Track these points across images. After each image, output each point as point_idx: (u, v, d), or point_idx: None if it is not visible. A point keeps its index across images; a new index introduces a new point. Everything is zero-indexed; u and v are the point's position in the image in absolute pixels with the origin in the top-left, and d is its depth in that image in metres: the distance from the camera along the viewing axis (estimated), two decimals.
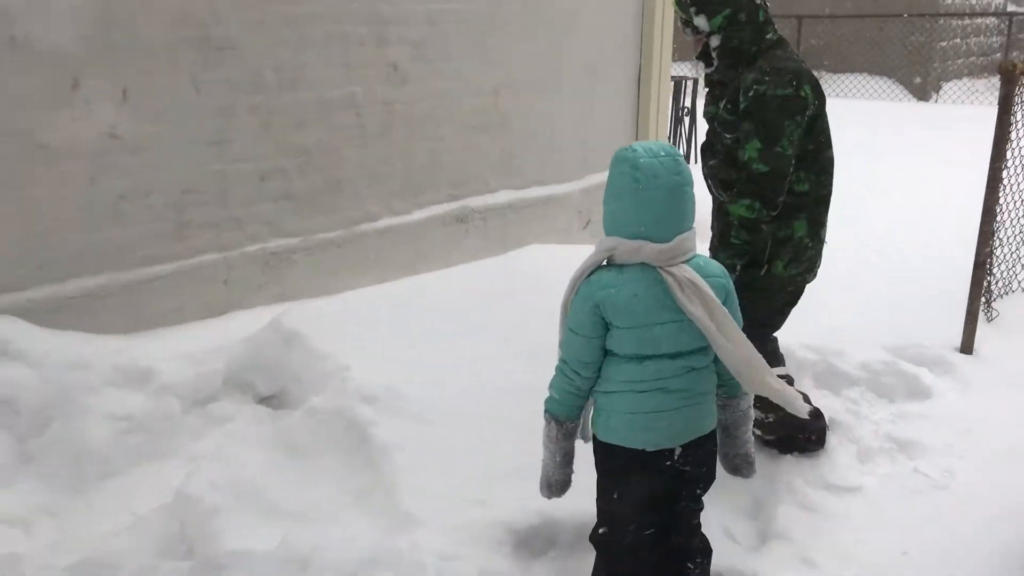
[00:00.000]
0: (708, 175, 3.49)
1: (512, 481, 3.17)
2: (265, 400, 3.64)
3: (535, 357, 3.73)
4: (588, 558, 3.07)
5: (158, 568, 2.68)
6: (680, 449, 2.54)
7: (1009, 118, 4.76)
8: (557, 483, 2.64)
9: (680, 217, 2.47)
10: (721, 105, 3.36)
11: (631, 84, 5.80)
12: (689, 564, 2.79)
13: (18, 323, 3.32)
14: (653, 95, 5.85)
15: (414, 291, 3.96)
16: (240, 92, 3.87)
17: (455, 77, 4.71)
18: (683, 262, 2.45)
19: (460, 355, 3.61)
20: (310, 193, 4.19)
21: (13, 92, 3.27)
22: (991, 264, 5.39)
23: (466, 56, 4.72)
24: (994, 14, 14.93)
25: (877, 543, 3.27)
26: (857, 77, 14.20)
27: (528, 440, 3.34)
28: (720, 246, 3.26)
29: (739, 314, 2.59)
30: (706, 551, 2.85)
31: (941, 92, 14.20)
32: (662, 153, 2.46)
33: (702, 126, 3.63)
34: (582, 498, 2.70)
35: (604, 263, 2.47)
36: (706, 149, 3.57)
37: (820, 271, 3.67)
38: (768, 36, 3.30)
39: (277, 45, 3.95)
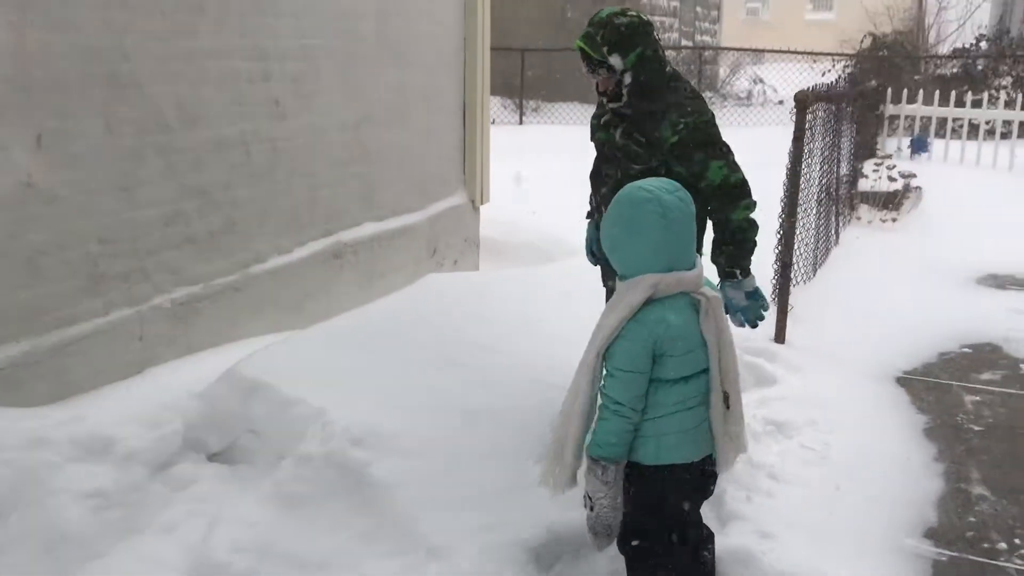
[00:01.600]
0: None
1: (507, 500, 3.31)
2: (215, 457, 3.44)
3: (483, 381, 3.88)
4: (593, 561, 3.29)
5: None
6: (712, 453, 2.85)
7: (803, 141, 5.61)
8: (615, 526, 2.73)
9: (693, 244, 2.78)
10: (619, 133, 3.52)
11: (458, 113, 6.04)
12: (704, 552, 3.10)
13: None
14: (477, 123, 6.12)
15: (347, 328, 3.92)
16: (146, 132, 3.63)
17: (326, 111, 4.69)
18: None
19: (417, 385, 3.66)
20: (208, 236, 3.99)
21: None
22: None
23: (334, 90, 4.72)
24: (682, 47, 16.97)
25: (806, 508, 3.77)
26: (570, 105, 15.47)
27: (504, 460, 3.49)
28: (737, 253, 3.45)
29: None
30: (711, 536, 3.18)
31: None
32: (672, 188, 2.74)
33: None
34: (570, 507, 2.98)
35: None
36: (595, 176, 3.83)
37: None
38: (668, 69, 3.56)
39: (177, 82, 3.75)
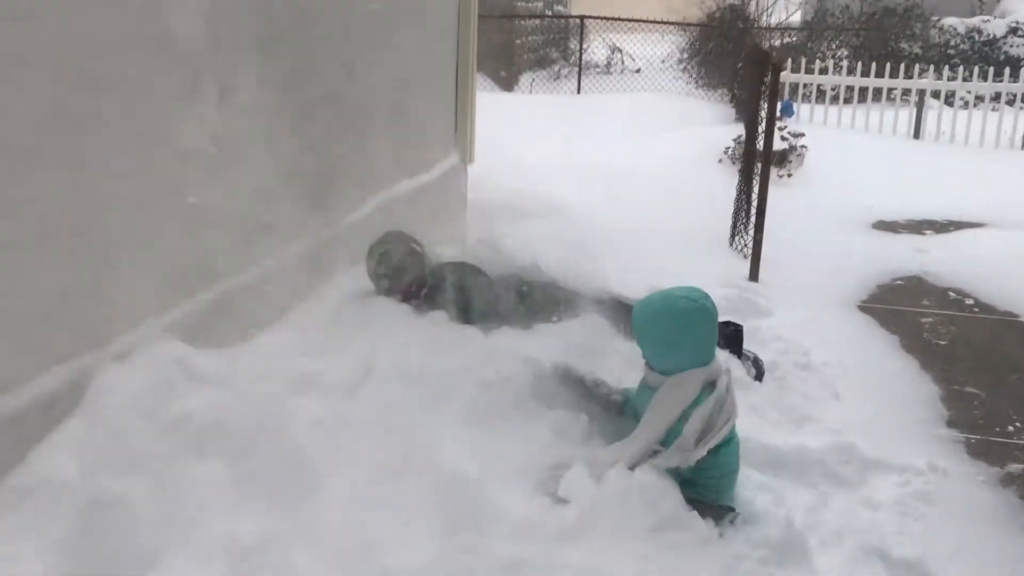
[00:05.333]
0: None
1: None
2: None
3: None
4: None
5: None
6: None
7: (776, 98, 6.31)
8: None
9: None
10: None
11: (452, 76, 6.35)
12: None
13: (182, 345, 3.05)
14: (468, 85, 6.48)
15: None
16: (281, 89, 3.80)
17: (380, 73, 4.92)
18: None
19: None
20: (315, 190, 4.20)
21: (158, 94, 2.99)
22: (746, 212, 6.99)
23: (384, 52, 4.96)
24: (554, 16, 17.62)
25: (854, 412, 4.47)
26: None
27: None
28: None
29: None
30: None
31: (519, 83, 16.47)
32: (704, 295, 3.32)
33: None
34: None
35: None
36: None
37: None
38: None
39: (302, 40, 3.94)
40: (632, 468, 3.09)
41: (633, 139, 12.00)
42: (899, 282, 6.94)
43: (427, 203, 5.77)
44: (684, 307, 3.18)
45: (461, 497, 3.09)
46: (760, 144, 6.77)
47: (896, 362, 5.30)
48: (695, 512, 3.02)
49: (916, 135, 12.94)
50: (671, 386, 3.17)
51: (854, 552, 3.24)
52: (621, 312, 4.53)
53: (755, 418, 4.05)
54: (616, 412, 3.60)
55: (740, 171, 7.94)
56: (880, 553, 3.23)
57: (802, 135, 10.39)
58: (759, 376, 4.62)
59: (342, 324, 3.86)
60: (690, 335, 3.17)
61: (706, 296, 3.26)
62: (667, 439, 3.13)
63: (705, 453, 3.09)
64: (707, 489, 3.18)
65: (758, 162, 6.75)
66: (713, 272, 6.33)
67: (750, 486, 3.53)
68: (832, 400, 4.58)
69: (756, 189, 6.76)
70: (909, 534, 3.41)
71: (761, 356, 4.84)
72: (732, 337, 4.59)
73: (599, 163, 10.49)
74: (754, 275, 6.51)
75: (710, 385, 3.18)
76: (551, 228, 6.28)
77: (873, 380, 4.94)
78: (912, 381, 5.04)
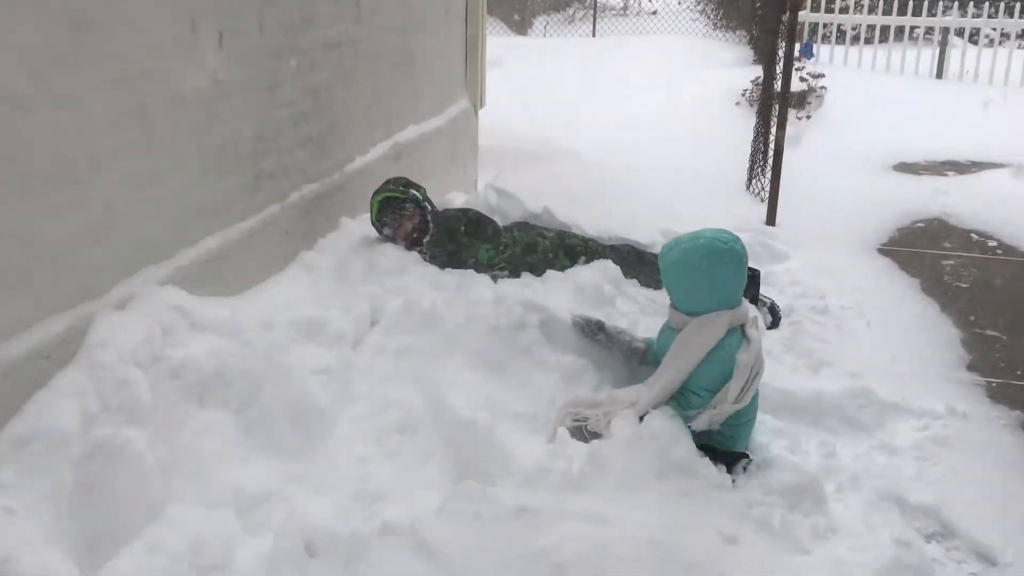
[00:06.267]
0: None
1: None
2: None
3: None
4: None
5: None
6: None
7: (794, 38, 6.13)
8: None
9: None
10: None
11: (462, 19, 6.21)
12: None
13: (182, 293, 2.99)
14: (479, 28, 6.33)
15: None
16: (282, 33, 3.70)
17: (388, 14, 4.81)
18: None
19: None
20: (320, 136, 4.12)
21: (157, 36, 2.89)
22: (763, 157, 6.85)
23: None
24: None
25: (873, 354, 4.39)
26: None
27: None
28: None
29: None
30: None
31: (533, 26, 16.21)
32: (735, 238, 3.21)
33: None
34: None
35: None
36: None
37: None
38: None
39: None
40: (655, 408, 3.04)
41: (649, 82, 11.79)
42: (920, 224, 6.80)
43: (437, 148, 5.68)
44: (713, 248, 3.09)
45: (469, 444, 3.06)
46: (778, 86, 6.60)
47: (916, 305, 5.20)
48: (707, 459, 2.97)
49: (939, 75, 12.64)
50: (696, 326, 3.10)
51: (870, 497, 3.18)
52: (635, 258, 4.45)
53: (771, 363, 3.96)
54: (639, 360, 3.54)
55: (758, 113, 7.78)
56: (897, 498, 3.17)
57: (821, 76, 10.15)
58: (775, 323, 4.54)
59: (348, 271, 3.81)
60: (718, 276, 3.09)
61: (736, 239, 3.17)
62: (694, 383, 3.09)
63: (742, 406, 3.03)
64: (723, 437, 3.12)
65: (776, 104, 6.58)
66: (729, 216, 6.21)
67: (765, 431, 3.48)
68: (850, 344, 4.49)
69: (774, 132, 6.62)
70: (927, 479, 3.35)
71: (778, 300, 4.76)
72: (749, 282, 4.50)
73: (614, 107, 10.33)
74: (771, 219, 6.39)
75: (736, 329, 3.11)
76: (564, 173, 6.18)
77: (892, 324, 4.85)
78: (932, 324, 4.95)
